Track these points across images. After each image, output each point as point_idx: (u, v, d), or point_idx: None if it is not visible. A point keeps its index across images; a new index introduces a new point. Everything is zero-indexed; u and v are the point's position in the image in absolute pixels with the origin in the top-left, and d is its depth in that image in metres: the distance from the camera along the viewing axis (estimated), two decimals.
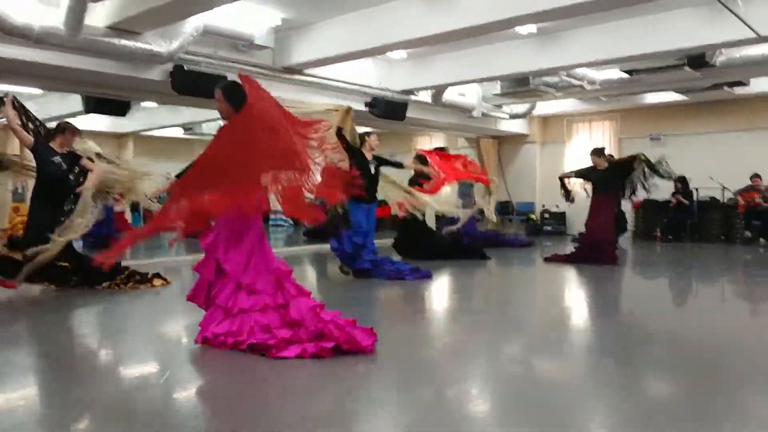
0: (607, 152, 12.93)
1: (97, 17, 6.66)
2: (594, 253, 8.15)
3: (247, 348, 3.65)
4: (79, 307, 5.46)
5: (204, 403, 3.02)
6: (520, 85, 10.72)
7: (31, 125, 6.32)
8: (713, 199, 12.08)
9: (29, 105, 6.92)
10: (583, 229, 9.12)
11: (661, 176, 8.29)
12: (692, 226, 12.03)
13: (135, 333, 4.53)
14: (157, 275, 6.48)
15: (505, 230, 14.85)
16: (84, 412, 2.81)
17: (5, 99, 5.88)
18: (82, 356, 3.98)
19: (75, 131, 6.26)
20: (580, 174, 8.91)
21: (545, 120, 14.89)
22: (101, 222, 10.79)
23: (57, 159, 5.95)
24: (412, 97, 10.78)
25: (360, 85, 9.96)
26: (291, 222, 16.46)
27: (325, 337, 3.64)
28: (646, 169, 8.19)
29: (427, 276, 7.07)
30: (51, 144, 6.04)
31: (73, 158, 6.12)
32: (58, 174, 5.95)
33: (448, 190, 10.72)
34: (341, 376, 3.32)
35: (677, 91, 11.46)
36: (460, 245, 9.69)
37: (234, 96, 3.94)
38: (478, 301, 6.15)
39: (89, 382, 3.28)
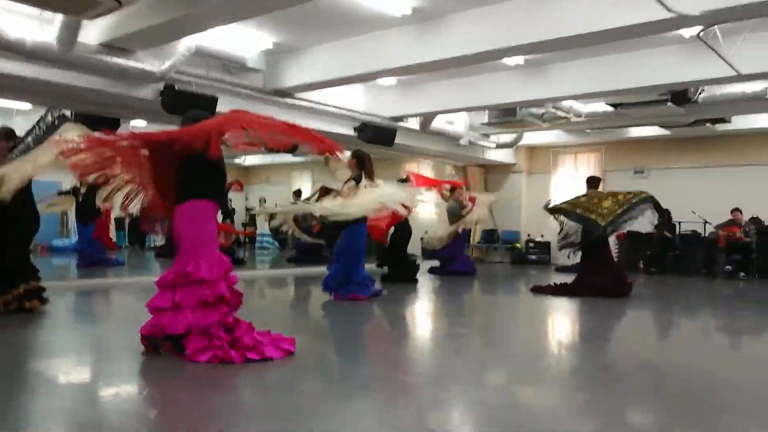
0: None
1: (91, 34, 6.73)
2: (617, 285, 7.90)
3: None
4: None
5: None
6: (507, 115, 10.89)
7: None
8: (695, 232, 12.25)
9: (17, 120, 6.93)
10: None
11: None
12: (675, 258, 12.16)
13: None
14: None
15: (489, 258, 14.96)
16: None
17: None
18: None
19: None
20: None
21: (532, 150, 15.08)
22: (82, 241, 10.78)
23: None
24: (401, 124, 10.91)
25: (349, 110, 10.08)
26: (277, 245, 16.45)
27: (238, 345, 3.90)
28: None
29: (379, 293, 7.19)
30: None
31: None
32: None
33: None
34: (320, 394, 3.31)
35: (661, 125, 11.70)
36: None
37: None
38: (465, 327, 6.15)
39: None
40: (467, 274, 10.51)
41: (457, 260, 10.73)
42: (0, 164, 5.31)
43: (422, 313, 6.93)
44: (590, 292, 7.76)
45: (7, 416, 2.85)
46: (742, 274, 11.07)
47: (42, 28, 6.43)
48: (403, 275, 9.12)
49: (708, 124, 11.26)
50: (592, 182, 8.56)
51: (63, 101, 8.34)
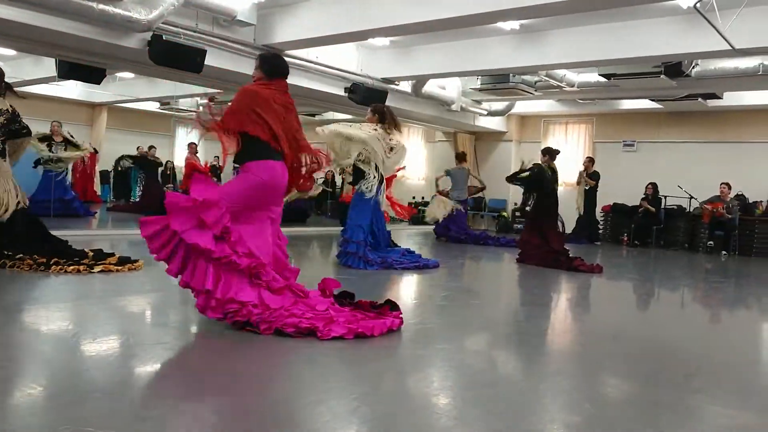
0: (583, 155, 13.25)
1: None
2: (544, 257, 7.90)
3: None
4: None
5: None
6: (499, 82, 10.79)
7: None
8: (680, 207, 12.33)
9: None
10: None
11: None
12: (658, 232, 12.26)
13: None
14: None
15: (475, 225, 15.01)
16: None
17: None
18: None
19: None
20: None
21: (523, 119, 15.03)
22: (48, 189, 10.46)
23: None
24: (393, 87, 10.79)
25: (340, 70, 9.94)
26: None
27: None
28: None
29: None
30: None
31: None
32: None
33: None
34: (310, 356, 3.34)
35: (653, 99, 11.67)
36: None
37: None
38: (448, 290, 6.19)
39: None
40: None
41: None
42: None
43: (406, 276, 6.96)
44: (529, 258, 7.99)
45: None
46: (723, 252, 11.17)
47: None
48: None
49: (699, 99, 11.25)
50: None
51: (47, 48, 8.18)
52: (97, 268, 5.36)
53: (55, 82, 12.27)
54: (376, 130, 6.80)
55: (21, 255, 5.36)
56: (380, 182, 6.88)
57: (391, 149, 6.87)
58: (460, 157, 11.41)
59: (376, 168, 6.78)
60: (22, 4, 6.48)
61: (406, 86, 11.14)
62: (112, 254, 5.77)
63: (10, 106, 5.53)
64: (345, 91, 10.29)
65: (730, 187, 11.32)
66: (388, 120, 6.86)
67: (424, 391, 2.88)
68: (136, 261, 5.74)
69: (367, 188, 6.74)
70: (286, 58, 8.96)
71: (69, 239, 6.11)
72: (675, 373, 3.39)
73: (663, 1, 6.52)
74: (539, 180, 8.07)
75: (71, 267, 5.28)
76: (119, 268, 5.50)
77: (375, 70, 10.31)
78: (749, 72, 8.96)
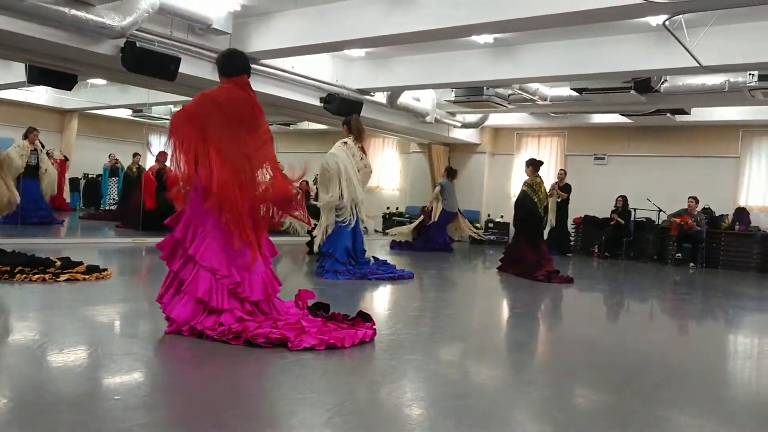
0: (556, 168, 13.43)
1: None
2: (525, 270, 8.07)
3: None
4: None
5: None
6: (473, 94, 10.89)
7: None
8: (649, 219, 12.55)
9: None
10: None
11: None
12: (628, 244, 12.45)
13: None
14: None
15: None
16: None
17: None
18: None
19: None
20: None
21: (496, 131, 15.17)
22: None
23: None
24: (368, 98, 10.82)
25: (316, 80, 9.94)
26: None
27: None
28: None
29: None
30: None
31: None
32: None
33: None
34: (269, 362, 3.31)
35: (623, 113, 11.88)
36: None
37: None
38: (420, 301, 6.20)
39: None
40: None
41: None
42: None
43: (381, 288, 6.95)
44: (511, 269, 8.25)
45: None
46: (691, 264, 11.38)
47: None
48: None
49: (668, 115, 11.48)
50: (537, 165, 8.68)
51: (16, 52, 8.03)
52: (62, 277, 5.26)
53: (24, 88, 12.06)
54: (346, 143, 6.89)
55: None
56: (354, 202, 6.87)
57: (359, 170, 6.91)
58: (453, 174, 11.98)
59: (346, 184, 6.77)
60: None
61: (381, 97, 11.18)
62: (81, 263, 5.67)
63: None
64: (320, 102, 10.29)
65: (697, 201, 11.56)
66: (353, 127, 6.98)
67: (396, 401, 2.87)
68: (104, 270, 5.65)
69: (343, 220, 6.77)
70: (262, 68, 9.05)
71: (38, 248, 6.00)
72: (644, 383, 3.44)
73: (633, 19, 6.66)
74: (520, 206, 8.48)
75: (36, 276, 5.17)
76: (86, 276, 5.40)
77: (350, 81, 10.33)
78: (716, 88, 9.17)
